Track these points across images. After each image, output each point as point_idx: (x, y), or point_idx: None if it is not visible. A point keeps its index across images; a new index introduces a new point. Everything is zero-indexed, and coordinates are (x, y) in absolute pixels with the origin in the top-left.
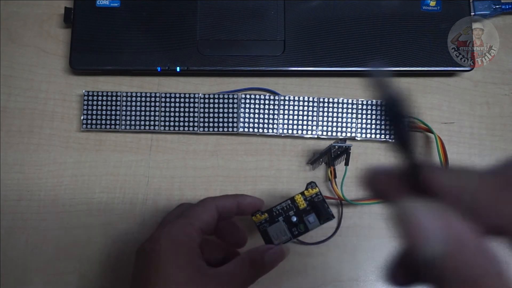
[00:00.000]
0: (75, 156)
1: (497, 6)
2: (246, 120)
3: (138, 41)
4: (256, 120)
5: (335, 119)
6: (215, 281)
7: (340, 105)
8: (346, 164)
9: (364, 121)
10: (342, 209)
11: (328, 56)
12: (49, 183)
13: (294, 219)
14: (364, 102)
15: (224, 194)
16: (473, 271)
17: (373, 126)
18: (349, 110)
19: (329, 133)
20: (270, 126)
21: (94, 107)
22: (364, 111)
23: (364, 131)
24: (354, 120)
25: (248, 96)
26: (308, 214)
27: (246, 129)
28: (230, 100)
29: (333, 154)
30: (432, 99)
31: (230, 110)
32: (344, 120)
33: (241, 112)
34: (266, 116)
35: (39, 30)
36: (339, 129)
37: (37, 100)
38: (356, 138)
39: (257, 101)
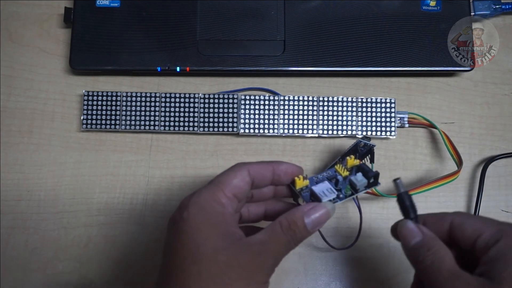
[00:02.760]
0: (75, 156)
1: (497, 6)
2: (247, 121)
3: (138, 41)
4: (257, 121)
5: (335, 117)
6: (247, 251)
7: (340, 104)
8: (372, 161)
9: (364, 118)
10: (361, 214)
11: (328, 56)
12: (49, 183)
13: (340, 178)
14: (364, 100)
15: None
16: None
17: (373, 123)
18: (349, 108)
19: (330, 132)
20: (271, 126)
21: (94, 107)
22: (364, 109)
23: (364, 128)
24: (354, 118)
25: (248, 97)
26: (355, 173)
27: (247, 130)
28: (230, 100)
29: (359, 151)
30: (432, 99)
31: (230, 110)
32: (345, 118)
33: (241, 113)
34: (266, 116)
35: (39, 30)
36: (340, 127)
37: (37, 100)
38: (357, 135)
39: (257, 102)
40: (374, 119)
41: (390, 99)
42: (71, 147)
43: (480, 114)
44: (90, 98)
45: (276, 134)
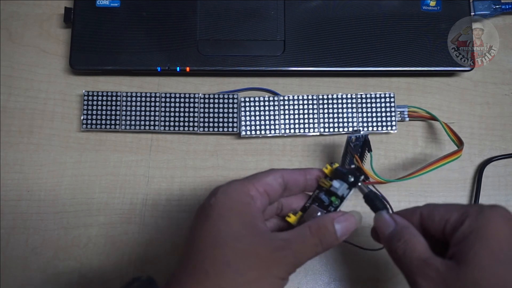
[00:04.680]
0: (75, 156)
1: (497, 6)
2: (248, 123)
3: (138, 41)
4: (258, 123)
5: (335, 114)
6: (268, 244)
7: (340, 101)
8: (370, 150)
9: (364, 114)
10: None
11: (328, 56)
12: (49, 183)
13: (323, 196)
14: (363, 96)
15: None
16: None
17: (373, 118)
18: (349, 105)
19: (331, 130)
20: (272, 127)
21: (94, 107)
22: (364, 105)
23: (365, 124)
24: (354, 114)
25: (248, 98)
26: (333, 182)
27: (248, 132)
28: (230, 100)
29: (353, 145)
30: (432, 99)
31: (230, 110)
32: (345, 115)
33: (242, 115)
34: (267, 117)
35: (39, 30)
36: (341, 124)
37: (37, 100)
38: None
39: (257, 103)
40: (374, 114)
41: (390, 93)
42: (71, 147)
43: (480, 114)
44: (90, 98)
45: (278, 135)
